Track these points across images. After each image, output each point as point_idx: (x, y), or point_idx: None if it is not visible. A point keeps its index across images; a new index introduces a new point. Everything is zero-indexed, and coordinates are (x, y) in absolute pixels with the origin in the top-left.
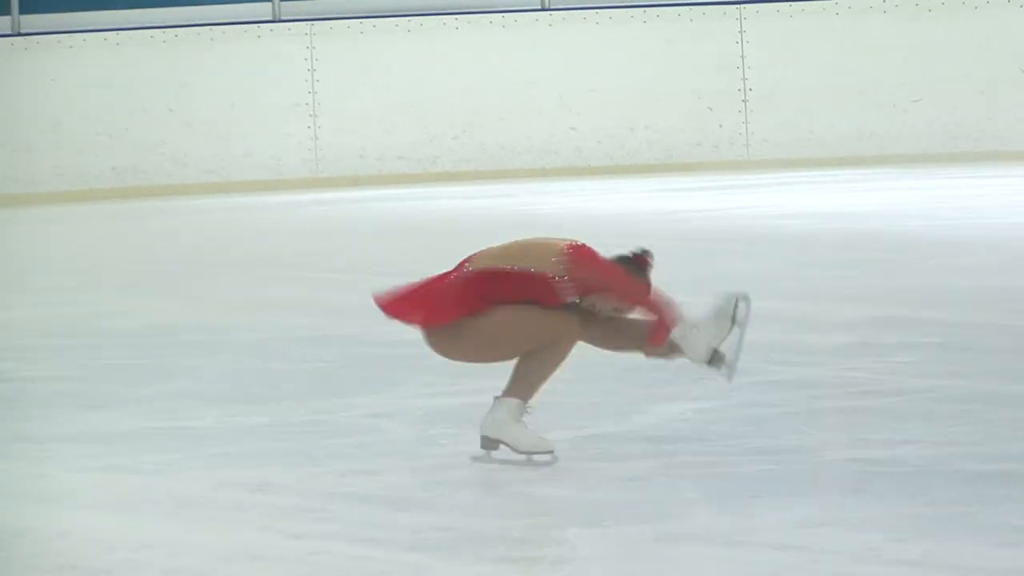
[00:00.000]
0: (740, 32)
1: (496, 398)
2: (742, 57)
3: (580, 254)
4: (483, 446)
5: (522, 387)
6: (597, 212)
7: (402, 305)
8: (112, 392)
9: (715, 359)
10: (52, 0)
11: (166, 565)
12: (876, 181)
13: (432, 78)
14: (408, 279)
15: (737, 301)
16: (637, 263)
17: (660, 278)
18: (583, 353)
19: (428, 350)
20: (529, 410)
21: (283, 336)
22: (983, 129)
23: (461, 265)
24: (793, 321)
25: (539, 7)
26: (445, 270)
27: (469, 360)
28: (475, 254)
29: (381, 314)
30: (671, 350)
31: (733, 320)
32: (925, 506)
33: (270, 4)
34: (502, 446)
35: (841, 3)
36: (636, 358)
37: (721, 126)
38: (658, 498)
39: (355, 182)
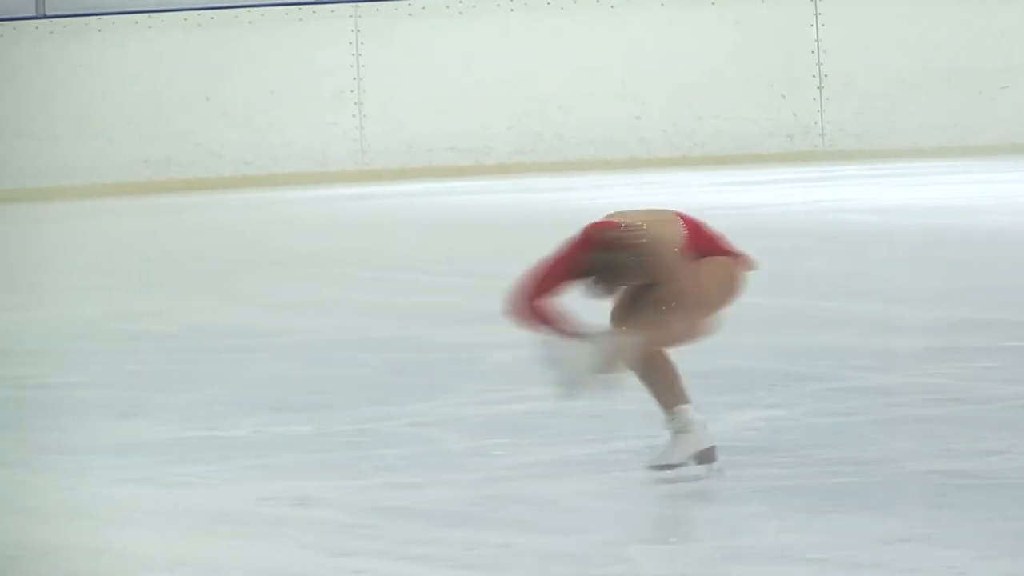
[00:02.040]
0: (815, 14)
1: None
2: (817, 40)
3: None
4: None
5: (655, 398)
6: (662, 207)
7: None
8: (145, 399)
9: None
10: None
11: None
12: (961, 174)
13: (485, 63)
14: (459, 279)
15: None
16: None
17: None
18: None
19: (482, 354)
20: (675, 421)
21: (326, 339)
22: None
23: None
24: (871, 323)
25: None
26: None
27: None
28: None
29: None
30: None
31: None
32: (1015, 521)
33: None
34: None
35: None
36: (705, 364)
37: (795, 115)
38: (726, 513)
39: (403, 175)
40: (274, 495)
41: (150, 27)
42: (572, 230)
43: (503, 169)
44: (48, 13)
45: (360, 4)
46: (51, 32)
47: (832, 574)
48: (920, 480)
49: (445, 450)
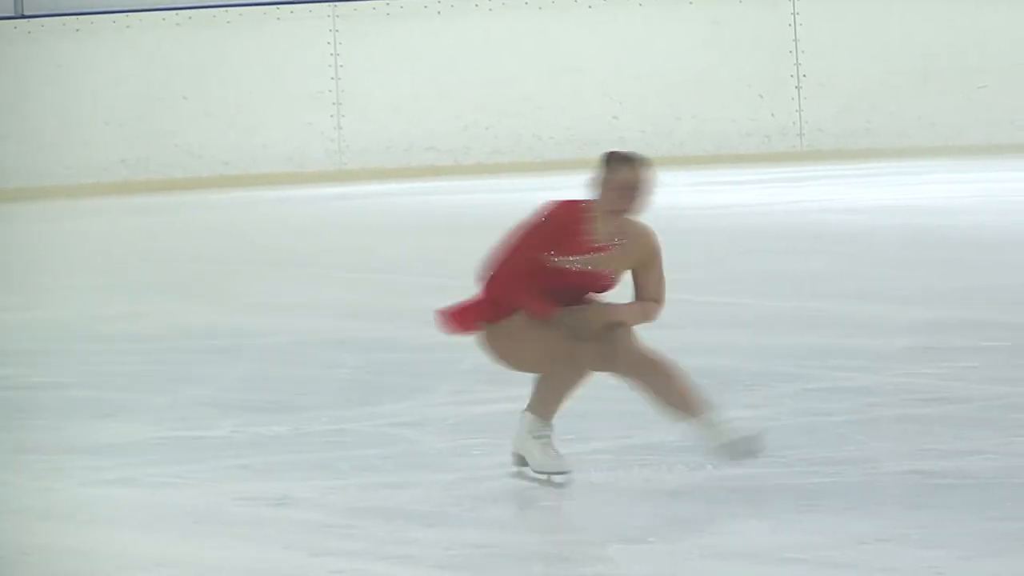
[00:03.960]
0: (793, 14)
1: (522, 411)
2: (795, 40)
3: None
4: (515, 462)
5: (537, 403)
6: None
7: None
8: (124, 400)
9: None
10: None
11: None
12: (939, 174)
13: (464, 63)
14: (438, 279)
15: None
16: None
17: (709, 277)
18: None
19: (459, 355)
20: (547, 429)
21: (305, 340)
22: None
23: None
24: (850, 324)
25: None
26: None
27: (506, 367)
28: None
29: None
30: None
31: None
32: (992, 521)
33: None
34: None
35: None
36: (685, 364)
37: (773, 115)
38: (706, 512)
39: (381, 175)
40: (254, 495)
41: (128, 27)
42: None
43: (482, 169)
44: (26, 13)
45: (338, 4)
46: (29, 32)
47: (810, 574)
48: (899, 480)
49: (425, 450)
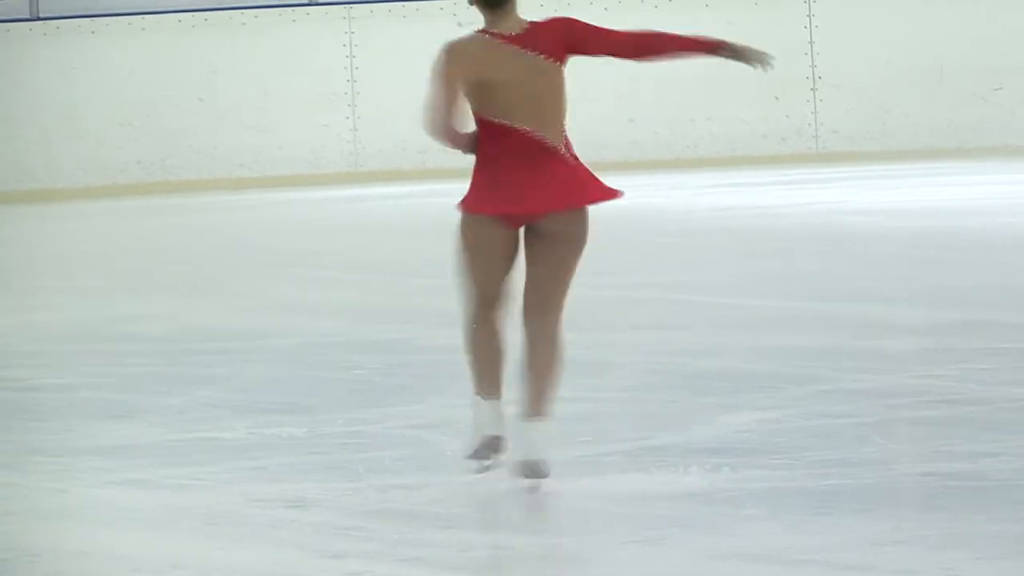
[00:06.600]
0: (809, 15)
1: (526, 418)
2: (811, 42)
3: None
4: (526, 475)
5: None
6: (656, 209)
7: None
8: (136, 401)
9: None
10: None
11: None
12: (954, 175)
13: None
14: (452, 280)
15: None
16: None
17: (723, 278)
18: (641, 360)
19: None
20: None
21: (320, 342)
22: None
23: None
24: (865, 325)
25: None
26: None
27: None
28: None
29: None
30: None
31: None
32: (1009, 523)
33: None
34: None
35: None
36: (699, 366)
37: (788, 116)
38: (720, 514)
39: (397, 176)
40: (268, 497)
41: (144, 28)
42: None
43: None
44: (42, 15)
45: (354, 6)
46: (44, 34)
47: None
48: (914, 482)
49: (440, 452)
